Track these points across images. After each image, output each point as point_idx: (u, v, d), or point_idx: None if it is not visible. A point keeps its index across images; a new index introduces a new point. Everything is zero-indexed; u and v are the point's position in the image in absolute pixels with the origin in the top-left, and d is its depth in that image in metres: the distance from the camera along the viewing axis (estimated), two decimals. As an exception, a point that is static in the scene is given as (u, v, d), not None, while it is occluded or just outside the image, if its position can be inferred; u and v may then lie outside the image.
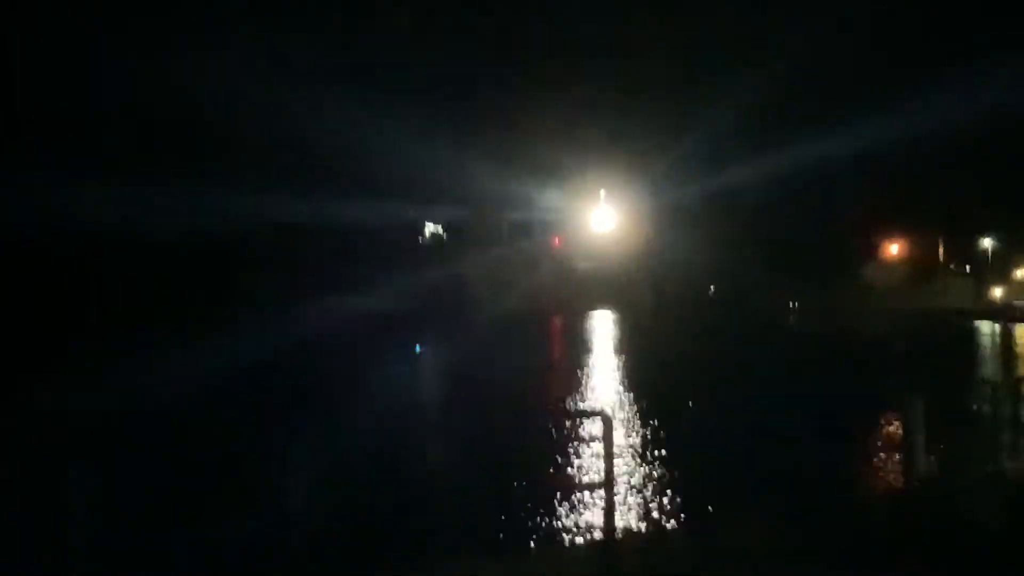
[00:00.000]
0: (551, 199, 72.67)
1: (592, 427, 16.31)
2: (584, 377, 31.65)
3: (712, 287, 66.98)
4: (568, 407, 24.15)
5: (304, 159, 61.89)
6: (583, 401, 25.48)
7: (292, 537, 9.32)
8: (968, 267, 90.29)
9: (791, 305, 62.26)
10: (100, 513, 7.42)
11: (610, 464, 9.34)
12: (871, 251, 78.57)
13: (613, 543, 9.06)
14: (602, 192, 72.20)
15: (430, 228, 78.24)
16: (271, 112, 60.71)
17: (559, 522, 11.92)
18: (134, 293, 49.32)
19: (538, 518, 12.02)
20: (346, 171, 64.25)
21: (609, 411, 18.00)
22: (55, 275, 47.08)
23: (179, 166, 57.79)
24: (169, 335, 36.17)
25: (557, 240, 75.50)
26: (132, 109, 58.42)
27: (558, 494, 12.94)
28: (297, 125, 62.42)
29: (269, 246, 63.34)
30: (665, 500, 13.21)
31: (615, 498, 9.46)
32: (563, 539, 11.25)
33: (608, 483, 9.41)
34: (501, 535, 11.31)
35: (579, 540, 11.09)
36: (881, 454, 16.87)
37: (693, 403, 22.90)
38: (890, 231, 78.84)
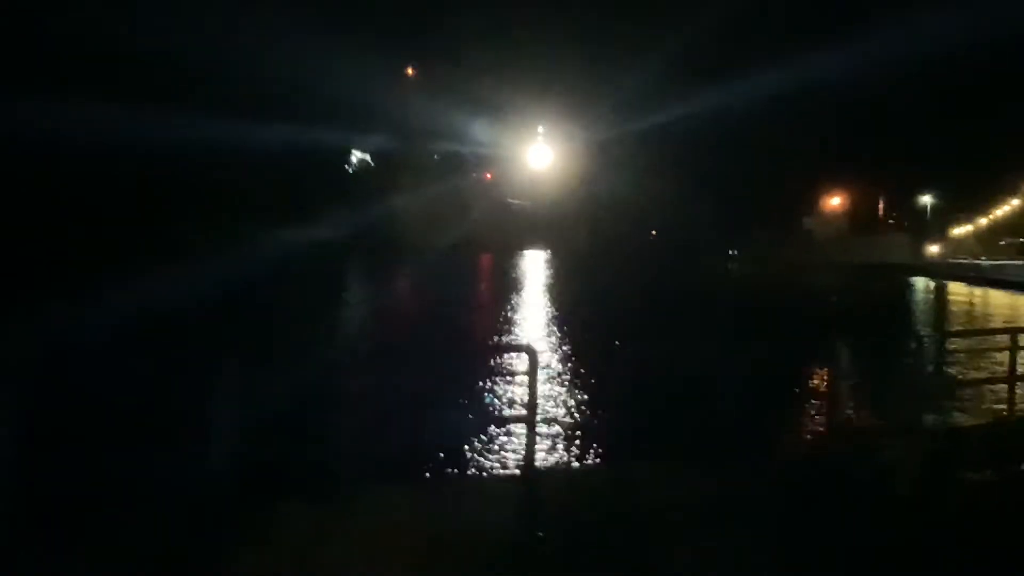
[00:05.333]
0: (486, 133, 72.41)
1: (517, 362, 16.65)
2: (512, 315, 32.06)
3: (652, 230, 67.68)
4: (494, 342, 24.55)
5: (220, 77, 60.42)
6: (509, 337, 25.90)
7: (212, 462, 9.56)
8: (906, 223, 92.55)
9: (730, 252, 63.29)
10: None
11: (533, 398, 9.69)
12: (812, 202, 79.97)
13: (532, 476, 9.42)
14: (540, 128, 72.23)
15: (357, 155, 77.31)
16: (178, 21, 58.74)
17: (480, 454, 12.26)
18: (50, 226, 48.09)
19: (459, 450, 12.36)
20: (268, 92, 62.99)
21: (535, 347, 18.34)
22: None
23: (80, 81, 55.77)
24: (94, 273, 35.38)
25: (490, 175, 75.38)
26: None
27: (480, 427, 13.31)
28: (210, 39, 60.74)
29: (185, 171, 61.99)
30: (584, 442, 13.62)
31: (536, 432, 9.81)
32: (483, 471, 11.60)
33: (530, 418, 9.76)
34: (422, 466, 11.61)
35: (499, 472, 11.44)
36: (802, 403, 17.44)
37: (618, 345, 23.36)
38: (831, 184, 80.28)
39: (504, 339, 25.56)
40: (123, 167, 55.87)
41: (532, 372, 9.77)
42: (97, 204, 52.49)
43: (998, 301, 50.56)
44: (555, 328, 28.75)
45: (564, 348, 23.75)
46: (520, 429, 11.71)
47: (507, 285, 45.43)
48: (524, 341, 24.62)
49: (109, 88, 54.78)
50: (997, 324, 34.65)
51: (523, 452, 10.77)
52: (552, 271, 54.75)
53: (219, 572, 6.72)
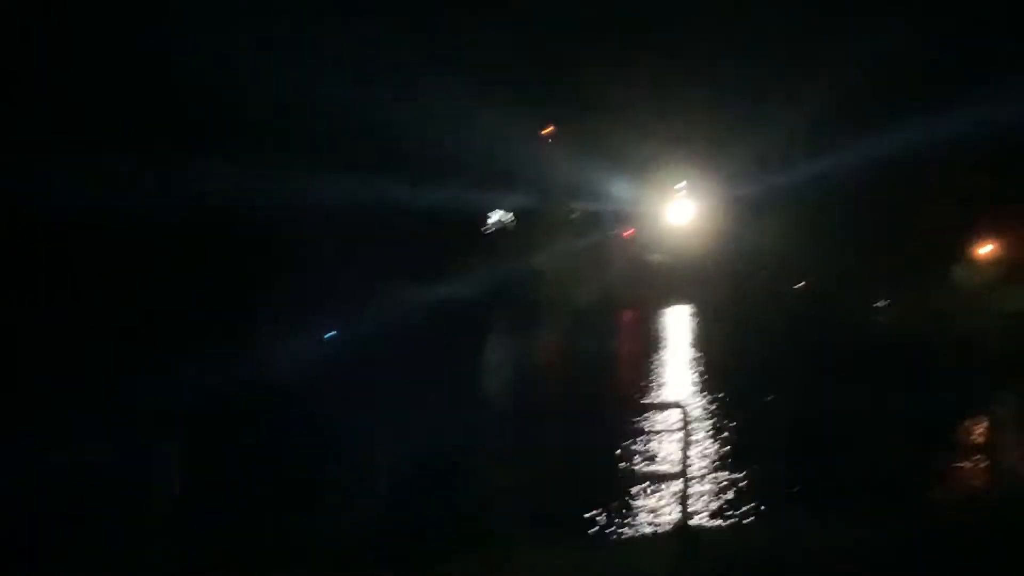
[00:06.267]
0: (626, 189, 72.62)
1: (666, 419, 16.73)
2: (656, 369, 32.07)
3: (797, 283, 66.56)
4: (642, 401, 24.57)
5: (359, 136, 61.77)
6: (655, 392, 25.90)
7: (379, 522, 10.00)
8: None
9: (880, 303, 61.70)
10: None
11: (686, 454, 9.89)
12: (963, 249, 77.53)
13: (687, 534, 9.58)
14: (681, 182, 72.14)
15: (499, 215, 78.38)
16: (331, 84, 60.13)
17: (631, 512, 12.39)
18: (172, 281, 49.11)
19: (611, 508, 12.50)
20: (403, 152, 64.27)
21: (686, 406, 18.42)
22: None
23: (214, 138, 57.14)
24: (213, 330, 36.29)
25: (631, 231, 75.45)
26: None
27: (630, 484, 13.44)
28: (358, 103, 62.23)
29: (323, 229, 63.32)
30: (740, 496, 13.59)
31: (689, 490, 9.97)
32: (636, 529, 11.72)
33: (683, 473, 9.94)
34: (575, 524, 11.79)
35: (653, 531, 11.55)
36: (971, 462, 16.98)
37: (773, 401, 23.13)
38: (983, 229, 77.70)
39: (650, 394, 25.60)
40: (260, 225, 57.24)
41: (684, 428, 9.98)
42: (228, 257, 53.87)
43: None
44: (701, 382, 28.64)
45: (712, 402, 23.67)
46: (672, 486, 11.86)
47: (649, 340, 45.38)
48: (671, 396, 24.65)
49: (244, 151, 56.74)
50: None
51: (676, 509, 10.93)
52: (694, 326, 54.48)
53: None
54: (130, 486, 10.39)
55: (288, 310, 44.62)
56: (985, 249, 78.32)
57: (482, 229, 77.12)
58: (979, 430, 18.18)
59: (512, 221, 77.60)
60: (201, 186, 55.07)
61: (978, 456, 16.01)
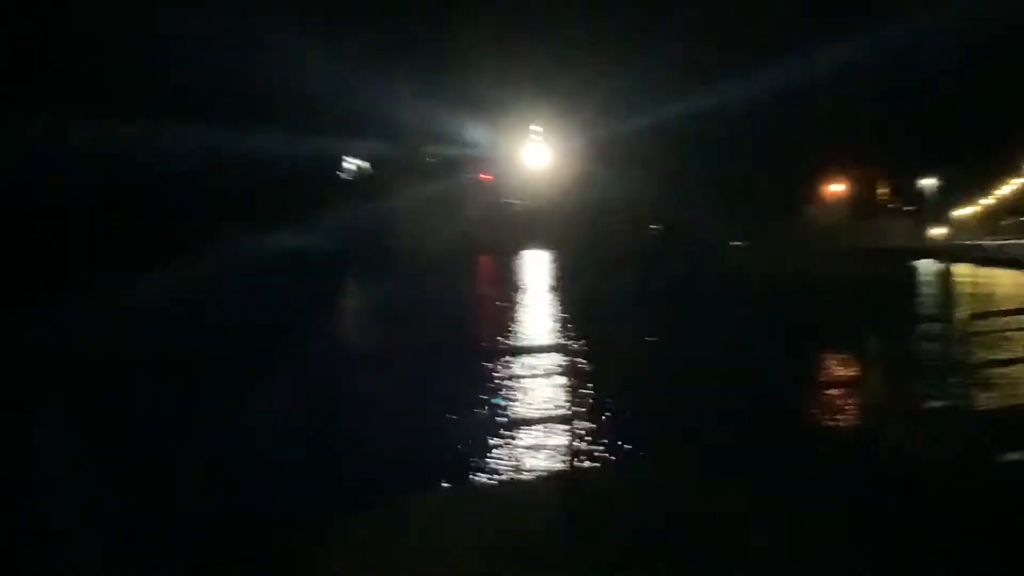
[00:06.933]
0: (481, 134, 72.57)
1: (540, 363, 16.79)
2: (522, 315, 32.19)
3: (654, 225, 67.83)
4: (511, 345, 24.58)
5: (215, 86, 60.41)
6: (522, 339, 25.96)
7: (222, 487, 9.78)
8: (908, 206, 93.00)
9: (735, 243, 63.49)
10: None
11: (571, 397, 9.95)
12: (814, 191, 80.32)
13: (572, 474, 9.65)
14: (535, 127, 72.46)
15: (352, 162, 77.37)
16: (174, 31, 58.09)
17: (511, 458, 12.39)
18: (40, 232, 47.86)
19: (494, 453, 12.49)
20: (258, 100, 63.02)
21: (553, 348, 18.62)
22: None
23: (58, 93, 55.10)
24: (75, 277, 35.44)
25: (488, 176, 75.45)
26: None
27: (513, 428, 13.46)
28: (205, 48, 60.53)
29: (176, 180, 61.80)
30: (615, 435, 13.74)
31: (572, 431, 10.04)
32: (522, 473, 11.74)
33: (568, 416, 10.00)
34: (458, 472, 11.72)
35: (538, 473, 11.57)
36: (825, 390, 17.53)
37: (637, 342, 23.45)
38: (833, 170, 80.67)
39: (518, 338, 25.66)
40: (122, 176, 55.65)
41: (567, 371, 10.04)
42: (99, 209, 52.39)
43: (1004, 280, 50.96)
44: (568, 327, 28.84)
45: (582, 346, 23.85)
46: (550, 431, 11.91)
47: (509, 285, 45.46)
48: (539, 341, 24.82)
49: (112, 100, 54.81)
50: (1005, 303, 34.70)
51: (557, 455, 11.02)
52: (553, 270, 54.88)
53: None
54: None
55: (134, 257, 43.32)
56: (835, 188, 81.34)
57: (336, 175, 75.96)
58: (845, 367, 18.81)
59: (368, 168, 76.67)
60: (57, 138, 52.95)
61: (847, 392, 16.55)
